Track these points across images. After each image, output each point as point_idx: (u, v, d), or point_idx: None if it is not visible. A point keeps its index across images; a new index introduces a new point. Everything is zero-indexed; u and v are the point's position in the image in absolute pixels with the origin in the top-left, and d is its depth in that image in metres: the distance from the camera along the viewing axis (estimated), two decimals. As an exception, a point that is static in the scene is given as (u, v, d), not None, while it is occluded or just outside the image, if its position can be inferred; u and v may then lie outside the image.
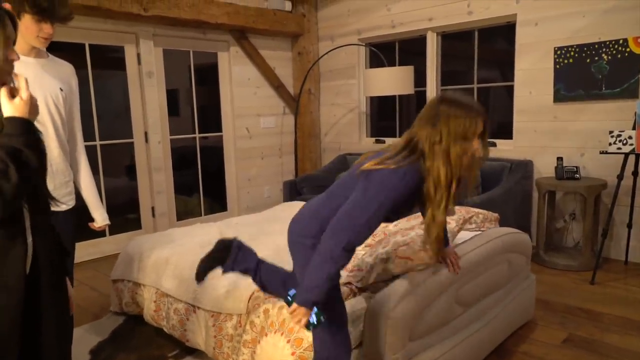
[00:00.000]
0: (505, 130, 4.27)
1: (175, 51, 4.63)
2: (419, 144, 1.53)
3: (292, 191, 4.59)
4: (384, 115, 5.36)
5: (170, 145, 4.64)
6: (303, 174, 5.16)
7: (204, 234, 3.00)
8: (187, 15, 4.24)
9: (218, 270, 2.42)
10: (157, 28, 4.35)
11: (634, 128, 3.15)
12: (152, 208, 4.52)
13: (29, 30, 1.76)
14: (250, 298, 2.20)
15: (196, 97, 4.86)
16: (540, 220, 3.75)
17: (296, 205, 3.83)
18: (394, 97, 5.02)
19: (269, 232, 3.05)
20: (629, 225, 3.47)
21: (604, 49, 3.59)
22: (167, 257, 2.66)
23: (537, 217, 3.83)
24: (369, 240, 2.50)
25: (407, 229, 2.16)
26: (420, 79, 4.69)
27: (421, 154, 1.53)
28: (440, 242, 1.68)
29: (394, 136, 5.13)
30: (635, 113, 3.13)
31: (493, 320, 2.38)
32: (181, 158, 4.95)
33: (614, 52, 3.55)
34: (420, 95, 4.78)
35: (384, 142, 5.12)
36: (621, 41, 3.51)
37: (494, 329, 2.38)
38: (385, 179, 1.51)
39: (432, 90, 4.68)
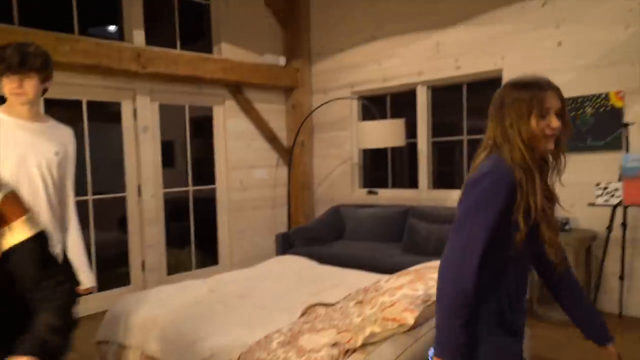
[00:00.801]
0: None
1: (171, 105, 4.73)
2: (495, 138, 1.41)
3: (285, 243, 4.57)
4: (377, 166, 5.43)
5: (164, 197, 4.66)
6: (296, 225, 5.16)
7: (192, 292, 2.97)
8: (184, 72, 4.37)
9: (203, 332, 2.38)
10: (155, 84, 4.47)
11: (619, 180, 3.20)
12: (143, 262, 4.48)
13: (6, 88, 1.84)
14: None
15: (191, 149, 4.93)
16: (533, 273, 3.71)
17: (288, 259, 3.81)
18: (386, 148, 5.10)
19: (260, 289, 3.02)
20: (621, 277, 3.45)
21: (587, 103, 3.69)
22: (154, 317, 2.62)
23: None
24: (361, 297, 2.47)
25: (395, 289, 2.15)
26: (412, 130, 4.78)
27: (499, 145, 1.40)
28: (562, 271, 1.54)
29: (387, 187, 5.17)
30: (621, 166, 3.18)
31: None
32: (175, 210, 4.95)
33: (597, 105, 3.65)
34: (412, 147, 4.85)
35: (376, 193, 5.15)
36: (603, 95, 3.62)
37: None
38: (472, 189, 1.34)
39: (423, 141, 4.76)
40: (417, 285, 2.16)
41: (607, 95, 3.60)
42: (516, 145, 1.34)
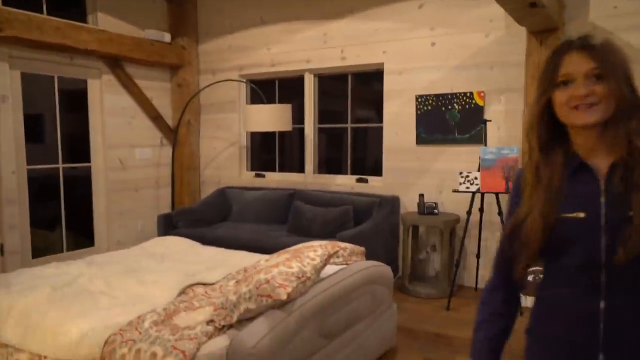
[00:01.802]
0: (377, 168, 4.58)
1: (39, 75, 4.28)
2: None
3: (167, 225, 4.41)
4: (266, 149, 5.45)
5: (29, 175, 4.22)
6: (180, 207, 5.00)
7: (60, 274, 2.76)
8: (52, 39, 3.97)
9: (71, 314, 2.24)
10: (14, 49, 4.00)
11: (479, 170, 3.59)
12: (1, 245, 4.03)
13: None
14: (105, 342, 2.06)
15: (62, 124, 4.51)
16: (405, 252, 4.04)
17: (169, 240, 3.69)
18: (274, 132, 5.15)
19: (138, 269, 2.90)
20: (477, 256, 3.89)
21: (455, 100, 4.07)
22: (10, 303, 2.39)
23: (402, 250, 4.13)
24: (240, 277, 2.50)
25: (271, 266, 2.21)
26: (300, 116, 4.87)
27: None
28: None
29: (274, 170, 5.23)
30: (482, 158, 3.56)
31: (356, 350, 2.50)
32: (43, 189, 4.51)
33: (463, 102, 4.04)
34: (300, 132, 4.95)
35: (263, 176, 5.19)
36: (468, 94, 4.02)
37: (357, 358, 2.49)
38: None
39: (309, 127, 4.89)
40: (292, 262, 2.23)
41: (471, 94, 4.01)
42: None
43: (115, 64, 4.71)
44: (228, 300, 2.13)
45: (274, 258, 2.44)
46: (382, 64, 4.38)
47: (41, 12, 4.21)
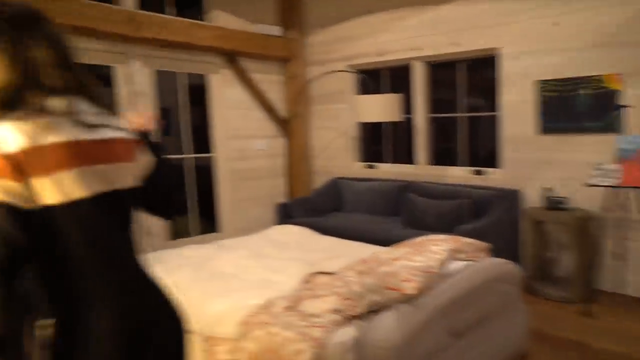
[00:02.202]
0: (492, 159, 4.35)
1: (166, 71, 4.65)
2: None
3: (283, 214, 4.59)
4: (375, 140, 5.42)
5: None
6: (294, 196, 5.18)
7: (196, 256, 3.01)
8: (177, 38, 4.28)
9: (208, 292, 2.40)
10: (148, 49, 4.37)
11: (617, 162, 3.24)
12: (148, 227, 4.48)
13: None
14: (240, 323, 2.18)
15: (187, 117, 4.87)
16: (531, 250, 3.78)
17: (289, 228, 3.83)
18: (382, 122, 5.10)
19: (263, 255, 3.06)
20: (619, 258, 3.51)
21: (583, 84, 3.69)
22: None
23: (527, 247, 3.87)
24: (360, 268, 2.51)
25: (393, 259, 2.18)
26: (407, 106, 4.77)
27: None
28: None
29: (384, 161, 5.18)
30: (619, 148, 3.22)
31: (485, 351, 2.39)
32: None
33: (593, 87, 3.65)
34: (408, 122, 4.85)
35: (374, 167, 5.17)
36: (599, 77, 3.62)
37: None
38: None
39: (420, 117, 4.76)
40: (416, 256, 2.19)
41: (602, 77, 3.61)
42: None
43: (230, 58, 4.97)
44: (353, 291, 2.15)
45: (396, 251, 2.42)
46: (497, 48, 4.12)
47: (163, 12, 4.55)
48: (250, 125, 5.25)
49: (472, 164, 4.58)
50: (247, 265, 2.87)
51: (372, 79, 4.79)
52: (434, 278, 2.16)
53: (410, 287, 2.00)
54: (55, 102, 0.99)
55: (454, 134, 4.75)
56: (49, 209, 0.94)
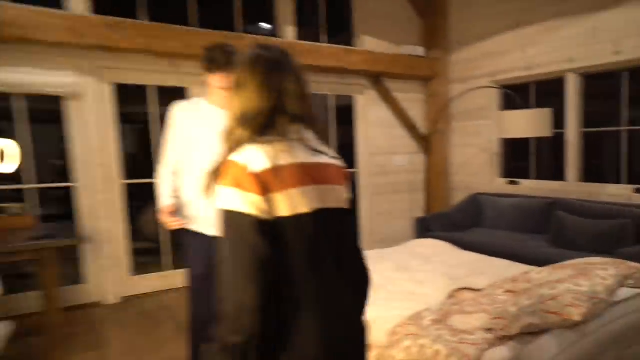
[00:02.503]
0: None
1: (316, 94, 5.06)
2: None
3: (422, 228, 4.69)
4: (517, 156, 5.25)
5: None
6: (431, 211, 5.24)
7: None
8: (330, 63, 4.66)
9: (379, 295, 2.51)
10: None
11: None
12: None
13: (214, 82, 2.25)
14: (390, 333, 2.27)
15: (336, 135, 5.25)
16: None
17: (429, 242, 3.90)
18: (526, 138, 4.91)
19: (407, 268, 3.16)
20: None
21: None
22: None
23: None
24: (510, 286, 2.48)
25: (555, 282, 2.15)
26: (557, 120, 4.53)
27: None
28: None
29: (527, 178, 4.99)
30: None
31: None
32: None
33: None
34: (556, 137, 4.60)
35: (517, 183, 5.01)
36: None
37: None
38: None
39: (572, 131, 4.50)
40: (580, 280, 2.13)
41: None
42: None
43: (376, 80, 5.23)
44: (506, 310, 2.16)
45: (555, 272, 2.35)
46: (671, 55, 3.75)
47: (319, 40, 4.97)
48: (392, 142, 5.46)
49: (631, 181, 4.20)
50: (393, 277, 3.00)
51: (517, 94, 4.66)
52: (600, 305, 2.07)
53: (576, 314, 1.93)
54: (292, 128, 1.21)
55: (604, 149, 4.39)
56: (280, 221, 1.12)
